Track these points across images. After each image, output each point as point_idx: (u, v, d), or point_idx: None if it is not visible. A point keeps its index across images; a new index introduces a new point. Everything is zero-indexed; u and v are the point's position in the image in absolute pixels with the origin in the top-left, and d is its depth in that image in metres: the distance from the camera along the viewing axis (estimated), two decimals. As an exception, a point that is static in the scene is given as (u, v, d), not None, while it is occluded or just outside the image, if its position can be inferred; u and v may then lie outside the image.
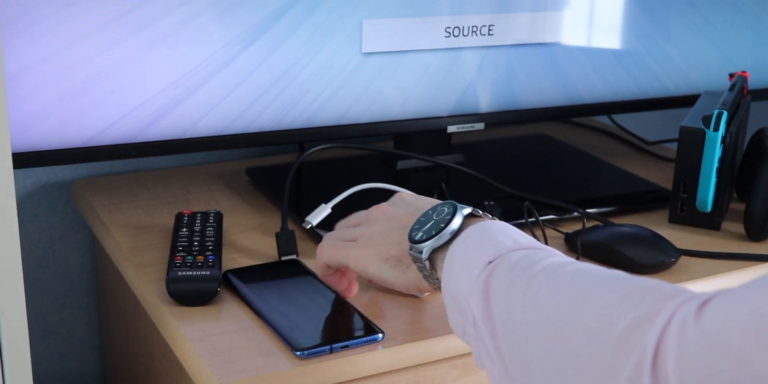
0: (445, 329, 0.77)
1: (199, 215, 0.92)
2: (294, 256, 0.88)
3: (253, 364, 0.72)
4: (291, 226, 0.92)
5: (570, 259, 0.62)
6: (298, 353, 0.72)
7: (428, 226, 0.70)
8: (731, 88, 1.01)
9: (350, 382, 0.74)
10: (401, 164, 1.07)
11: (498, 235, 0.66)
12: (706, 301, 0.49)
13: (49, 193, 1.13)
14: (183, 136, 0.92)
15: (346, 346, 0.73)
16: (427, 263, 0.69)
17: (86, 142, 0.89)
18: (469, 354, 0.78)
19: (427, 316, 0.80)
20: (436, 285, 0.70)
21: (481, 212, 0.72)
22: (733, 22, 1.13)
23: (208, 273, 0.81)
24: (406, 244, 0.72)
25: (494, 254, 0.63)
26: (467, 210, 0.70)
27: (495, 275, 0.62)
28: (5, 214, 0.67)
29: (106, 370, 1.19)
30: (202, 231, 0.88)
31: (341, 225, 0.83)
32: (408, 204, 0.77)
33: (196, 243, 0.86)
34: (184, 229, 0.88)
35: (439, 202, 0.74)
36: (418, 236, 0.70)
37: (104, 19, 0.85)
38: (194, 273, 0.81)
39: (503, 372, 0.60)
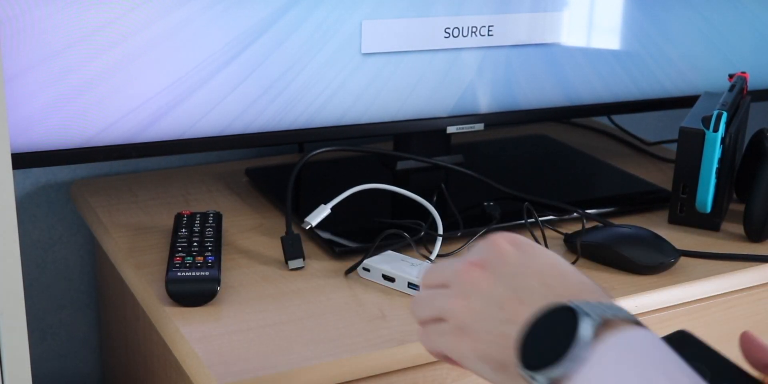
0: (444, 330, 0.77)
1: (198, 216, 0.92)
2: (301, 260, 0.88)
3: (253, 365, 0.71)
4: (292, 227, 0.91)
5: None
6: None
7: (543, 341, 0.51)
8: (731, 89, 1.01)
9: (350, 382, 0.74)
10: (400, 165, 1.07)
11: (644, 370, 0.47)
12: None
13: (49, 194, 1.13)
14: (183, 136, 0.92)
15: None
16: None
17: (86, 143, 0.89)
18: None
19: (427, 316, 0.80)
20: None
21: (619, 313, 0.51)
22: (732, 23, 1.13)
23: (207, 273, 0.81)
24: (511, 349, 0.53)
25: None
26: (592, 322, 0.50)
27: None
28: (5, 214, 0.67)
29: (105, 370, 1.19)
30: (202, 231, 0.88)
31: (427, 280, 0.62)
32: (509, 273, 0.56)
33: (195, 243, 0.86)
34: (184, 230, 0.88)
35: (557, 304, 0.53)
36: (531, 359, 0.51)
37: (104, 20, 0.85)
38: (194, 274, 0.81)
39: None
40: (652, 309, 0.86)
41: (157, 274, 0.85)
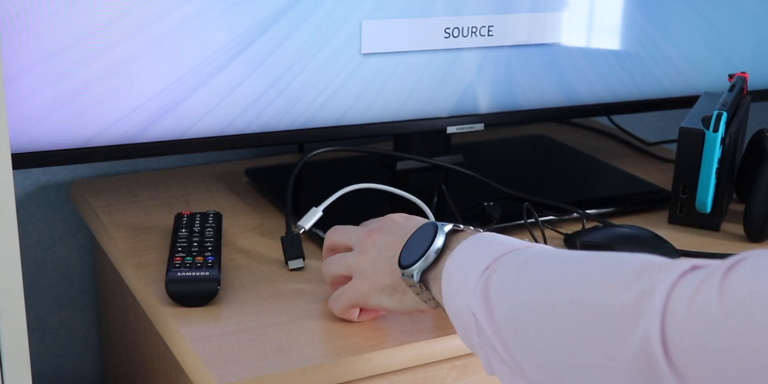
0: (444, 330, 0.77)
1: (198, 216, 0.92)
2: (301, 260, 0.88)
3: (253, 365, 0.71)
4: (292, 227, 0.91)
5: (565, 250, 0.64)
6: None
7: (414, 249, 0.70)
8: (731, 89, 1.01)
9: (350, 382, 0.74)
10: (400, 165, 1.07)
11: (490, 243, 0.67)
12: (730, 267, 0.49)
13: (49, 194, 1.13)
14: (183, 136, 0.92)
15: None
16: (419, 285, 0.69)
17: (86, 143, 0.89)
18: (468, 355, 0.79)
19: (427, 316, 0.80)
20: (433, 305, 0.71)
21: (462, 226, 0.72)
22: (732, 23, 1.13)
23: (207, 274, 0.81)
24: (398, 271, 0.72)
25: (489, 260, 0.64)
26: (448, 227, 0.71)
27: (493, 278, 0.62)
28: (4, 214, 0.67)
29: (105, 370, 1.19)
30: (202, 232, 0.88)
31: (332, 241, 0.81)
32: (396, 228, 0.76)
33: (195, 244, 0.86)
34: (184, 230, 0.88)
35: (426, 222, 0.74)
36: (406, 261, 0.70)
37: (104, 20, 0.85)
38: (193, 274, 0.81)
39: (517, 371, 0.60)
40: (652, 309, 0.86)
41: (157, 274, 0.85)
